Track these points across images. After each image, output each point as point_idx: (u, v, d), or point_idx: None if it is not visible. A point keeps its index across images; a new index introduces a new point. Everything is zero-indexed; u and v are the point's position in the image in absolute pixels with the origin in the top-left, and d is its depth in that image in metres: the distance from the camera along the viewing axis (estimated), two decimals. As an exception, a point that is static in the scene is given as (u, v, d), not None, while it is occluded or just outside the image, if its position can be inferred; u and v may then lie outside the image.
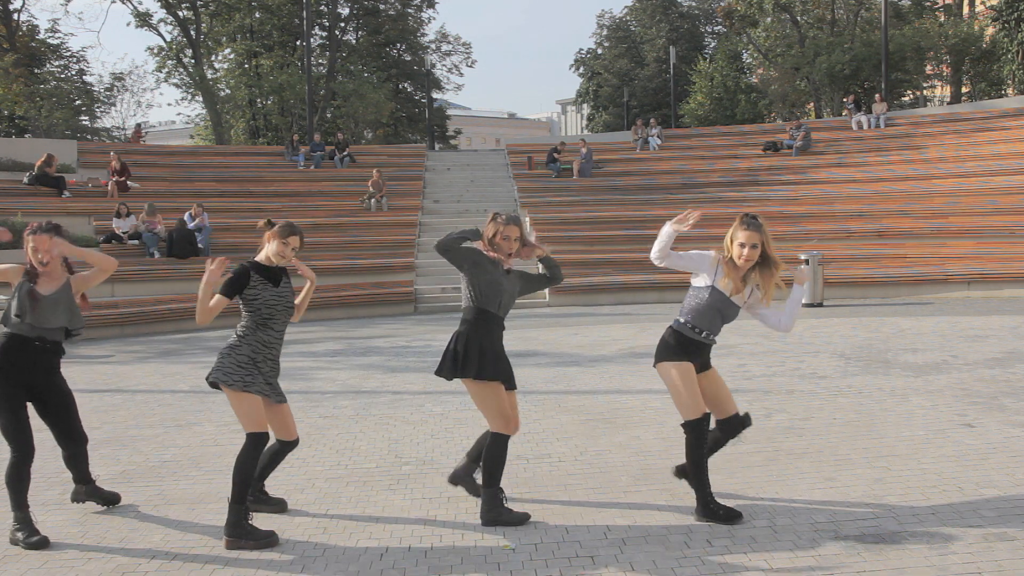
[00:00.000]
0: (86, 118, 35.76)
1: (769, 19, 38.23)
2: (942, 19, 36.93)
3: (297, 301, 4.96)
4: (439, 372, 4.81)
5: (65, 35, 46.10)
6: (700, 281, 4.66)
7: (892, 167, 22.51)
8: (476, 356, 4.64)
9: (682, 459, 4.82)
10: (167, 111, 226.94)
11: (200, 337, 14.18)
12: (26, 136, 30.75)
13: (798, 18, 37.70)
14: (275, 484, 5.42)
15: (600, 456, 6.01)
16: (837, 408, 7.25)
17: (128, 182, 20.73)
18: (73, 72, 37.30)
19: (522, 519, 4.66)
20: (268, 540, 4.45)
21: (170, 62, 38.37)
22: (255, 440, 4.54)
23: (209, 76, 37.55)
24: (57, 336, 4.79)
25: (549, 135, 72.65)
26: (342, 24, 43.05)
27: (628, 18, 55.49)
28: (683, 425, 4.64)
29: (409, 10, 44.72)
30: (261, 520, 4.69)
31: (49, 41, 36.58)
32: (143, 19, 37.56)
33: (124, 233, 18.00)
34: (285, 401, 4.84)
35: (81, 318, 4.87)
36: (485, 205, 20.95)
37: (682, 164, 24.44)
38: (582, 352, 11.19)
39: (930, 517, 4.56)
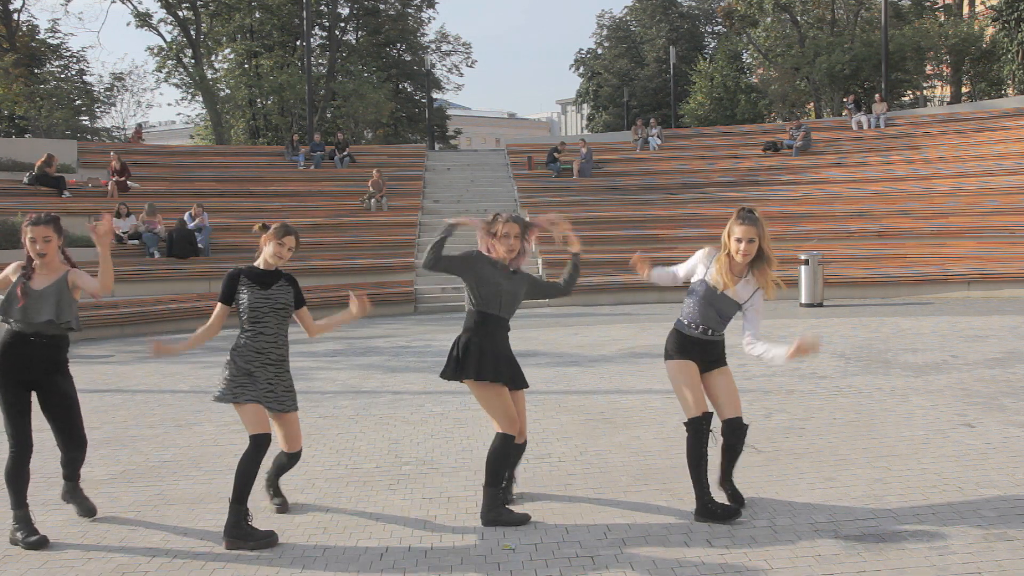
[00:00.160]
0: (86, 118, 35.78)
1: (769, 19, 38.23)
2: (942, 19, 36.93)
3: (322, 322, 4.92)
4: (443, 375, 4.82)
5: (65, 35, 46.12)
6: (696, 276, 4.68)
7: (892, 167, 22.51)
8: (476, 358, 4.63)
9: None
10: (167, 111, 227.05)
11: (200, 337, 14.18)
12: (26, 136, 30.75)
13: (798, 18, 37.70)
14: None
15: (600, 456, 6.01)
16: (837, 408, 7.25)
17: (128, 182, 20.73)
18: (73, 72, 37.35)
19: (522, 520, 4.65)
20: (268, 540, 4.45)
21: (170, 62, 38.36)
22: (255, 442, 4.54)
23: (209, 76, 37.55)
24: (51, 330, 4.66)
25: (549, 135, 72.67)
26: (342, 24, 43.06)
27: (628, 18, 55.49)
28: (684, 423, 4.64)
29: (409, 10, 44.73)
30: (261, 520, 4.69)
31: (49, 41, 36.59)
32: (143, 19, 37.56)
33: (124, 233, 17.99)
34: (288, 410, 4.79)
35: (70, 313, 4.69)
36: (485, 205, 20.94)
37: (682, 164, 24.45)
38: (582, 352, 11.19)
39: (930, 517, 4.55)
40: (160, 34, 38.43)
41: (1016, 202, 19.25)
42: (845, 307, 15.66)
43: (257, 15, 38.95)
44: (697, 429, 4.58)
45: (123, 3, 37.46)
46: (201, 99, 37.61)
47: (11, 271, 4.76)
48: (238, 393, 4.60)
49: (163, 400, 8.74)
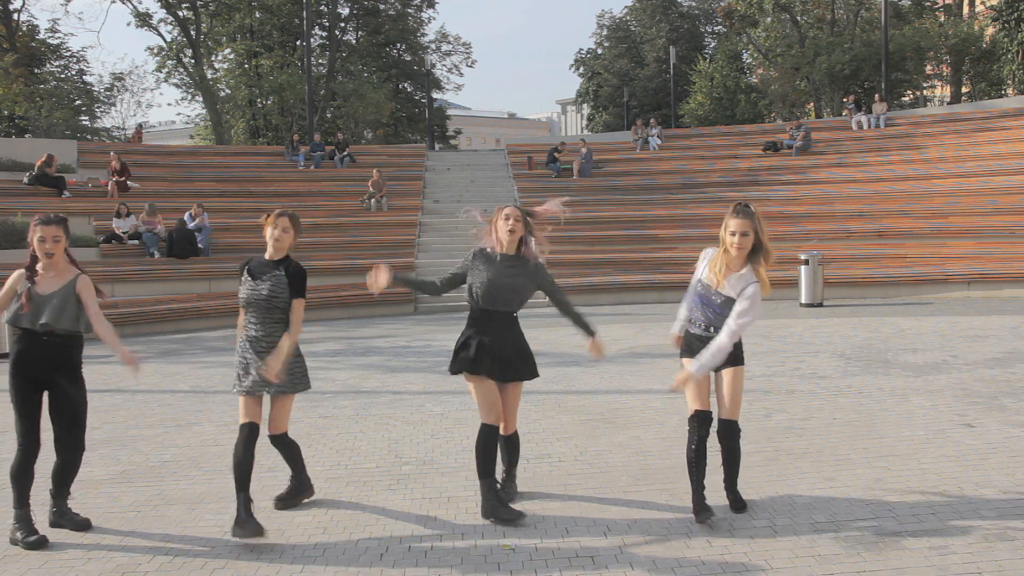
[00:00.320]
0: (86, 118, 35.76)
1: (769, 19, 38.23)
2: (942, 19, 36.93)
3: (289, 335, 4.76)
4: (450, 369, 4.96)
5: (65, 35, 46.01)
6: (695, 276, 4.76)
7: (892, 167, 22.50)
8: (472, 353, 4.74)
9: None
10: (167, 111, 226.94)
11: (200, 337, 14.19)
12: (26, 136, 30.74)
13: (798, 18, 37.69)
14: (276, 484, 5.43)
15: (600, 456, 6.01)
16: (837, 408, 7.26)
17: (128, 182, 20.72)
18: (73, 72, 37.34)
19: (515, 516, 4.68)
20: (255, 531, 4.52)
21: (170, 62, 38.34)
22: (240, 430, 4.74)
23: (209, 76, 37.53)
24: (62, 329, 4.57)
25: (549, 135, 72.66)
26: (342, 24, 43.05)
27: (628, 18, 55.49)
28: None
29: (409, 10, 44.72)
30: (262, 519, 4.68)
31: (49, 41, 36.59)
32: (143, 19, 37.54)
33: (124, 233, 17.99)
34: (279, 392, 4.80)
35: (68, 321, 4.58)
36: (485, 205, 20.57)
37: (682, 164, 24.44)
38: (582, 352, 11.14)
39: (930, 517, 4.56)
40: (160, 34, 38.46)
41: (1016, 202, 19.25)
42: (845, 307, 15.66)
43: (257, 15, 38.93)
44: (691, 425, 4.65)
45: (123, 3, 37.50)
46: (201, 99, 37.60)
47: (14, 281, 4.69)
48: (235, 384, 4.84)
49: (163, 400, 8.74)
